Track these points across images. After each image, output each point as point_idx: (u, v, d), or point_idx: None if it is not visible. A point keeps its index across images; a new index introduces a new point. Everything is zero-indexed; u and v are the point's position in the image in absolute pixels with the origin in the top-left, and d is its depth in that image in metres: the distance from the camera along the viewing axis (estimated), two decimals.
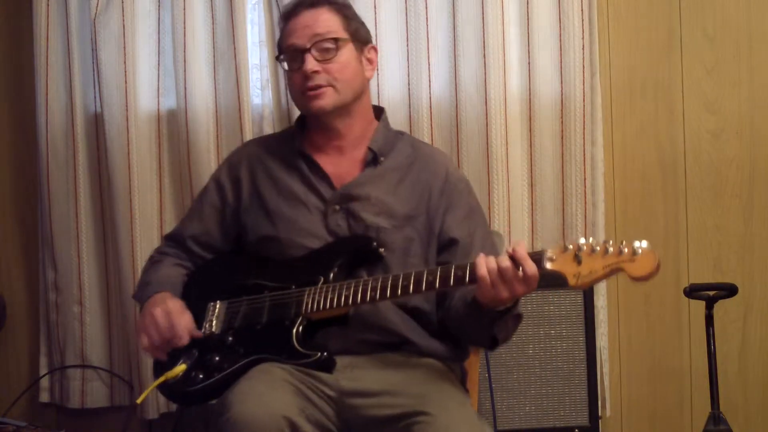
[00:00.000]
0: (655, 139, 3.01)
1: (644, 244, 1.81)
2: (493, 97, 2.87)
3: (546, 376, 2.71)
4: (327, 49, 2.22)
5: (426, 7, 2.90)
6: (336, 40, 2.23)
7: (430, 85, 2.92)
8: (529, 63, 2.90)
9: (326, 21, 2.25)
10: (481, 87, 2.88)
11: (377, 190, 2.22)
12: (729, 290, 2.62)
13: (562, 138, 2.90)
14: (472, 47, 2.89)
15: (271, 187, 2.28)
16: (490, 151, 2.88)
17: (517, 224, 2.90)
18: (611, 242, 1.84)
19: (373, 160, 2.26)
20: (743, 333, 3.02)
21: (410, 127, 2.91)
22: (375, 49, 2.35)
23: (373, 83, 2.90)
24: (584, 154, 2.88)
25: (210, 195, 2.37)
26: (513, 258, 1.90)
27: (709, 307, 2.61)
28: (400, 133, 2.37)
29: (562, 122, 2.89)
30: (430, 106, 2.92)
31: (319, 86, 2.21)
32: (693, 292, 2.66)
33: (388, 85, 2.93)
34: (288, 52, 2.26)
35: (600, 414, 2.77)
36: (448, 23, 2.91)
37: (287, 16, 2.29)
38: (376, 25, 2.91)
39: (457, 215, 2.24)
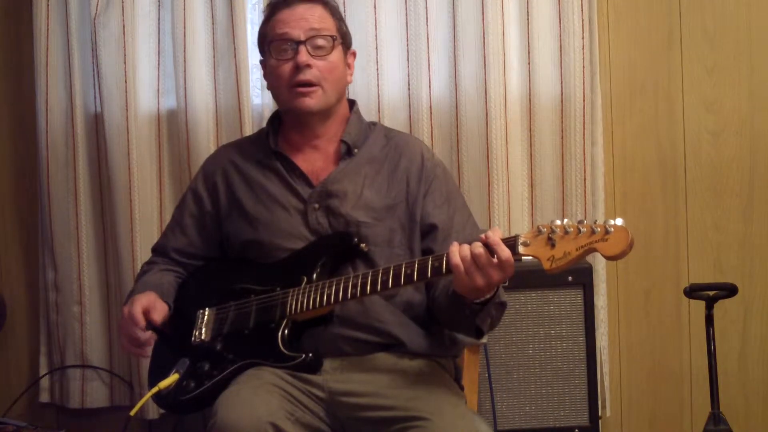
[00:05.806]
0: (655, 139, 3.00)
1: (618, 221, 1.78)
2: (493, 97, 2.86)
3: (546, 376, 2.70)
4: (321, 46, 2.22)
5: (426, 8, 2.90)
6: (332, 38, 2.23)
7: (430, 85, 2.91)
8: (529, 63, 2.90)
9: (322, 18, 2.25)
10: (481, 87, 2.88)
11: (354, 185, 2.22)
12: (729, 290, 2.62)
13: (562, 138, 2.90)
14: (472, 47, 2.89)
15: (248, 192, 2.27)
16: (490, 151, 2.87)
17: (517, 224, 2.90)
18: (584, 222, 1.81)
19: (347, 151, 2.26)
20: (743, 333, 3.02)
21: (410, 127, 2.91)
22: (354, 54, 2.36)
23: (372, 83, 2.91)
24: (584, 154, 2.88)
25: (188, 205, 2.37)
26: (486, 244, 1.87)
27: (709, 307, 2.60)
28: (373, 124, 2.37)
29: (562, 122, 2.89)
30: (430, 106, 2.92)
31: (310, 83, 2.20)
32: (693, 292, 2.65)
33: (388, 85, 2.93)
34: (278, 41, 2.24)
35: (600, 414, 2.76)
36: (448, 23, 2.91)
37: (278, 6, 2.26)
38: (376, 25, 2.91)
39: (436, 200, 2.23)
